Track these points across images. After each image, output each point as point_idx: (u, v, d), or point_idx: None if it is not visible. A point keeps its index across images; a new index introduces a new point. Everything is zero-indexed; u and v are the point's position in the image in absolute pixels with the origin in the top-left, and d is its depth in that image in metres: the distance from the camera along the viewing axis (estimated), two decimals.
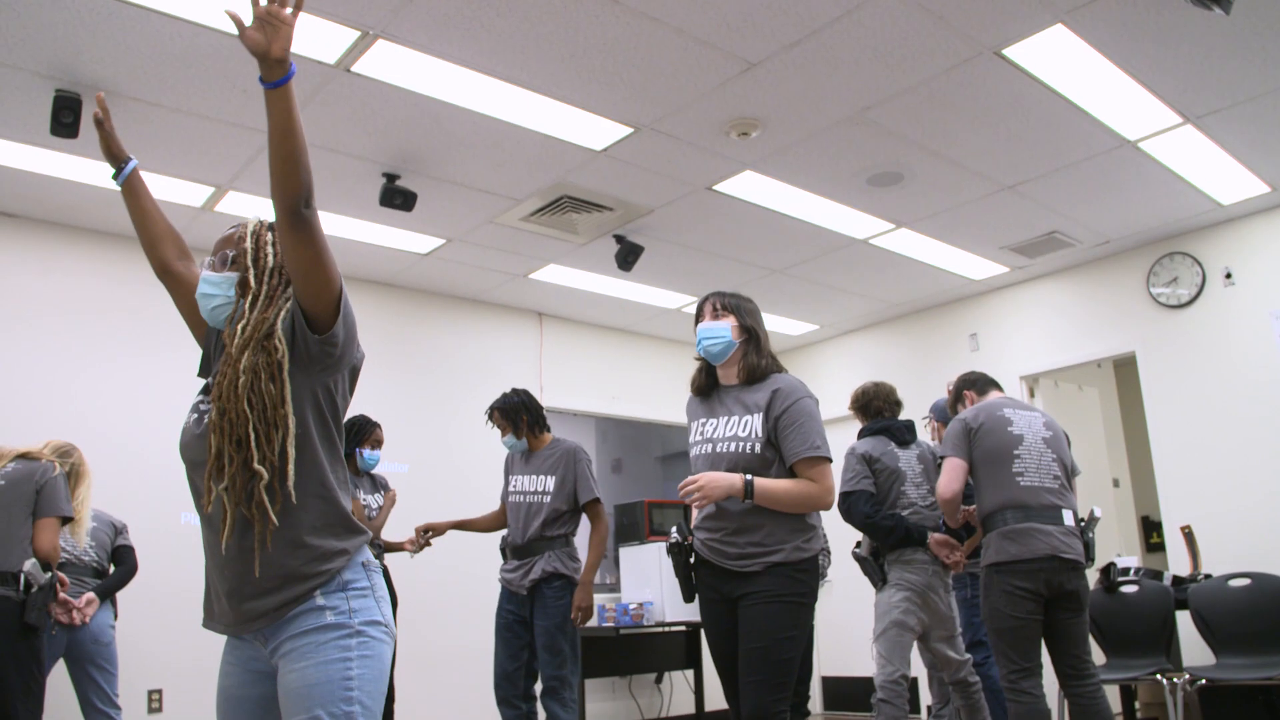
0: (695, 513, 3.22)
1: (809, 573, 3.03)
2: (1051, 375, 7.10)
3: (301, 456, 1.92)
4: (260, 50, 1.76)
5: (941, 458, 4.13)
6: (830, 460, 3.04)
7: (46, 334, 5.35)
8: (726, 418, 3.14)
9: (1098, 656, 5.15)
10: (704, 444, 3.17)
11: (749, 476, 2.97)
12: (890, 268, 6.79)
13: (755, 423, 3.05)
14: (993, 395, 4.25)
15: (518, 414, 4.83)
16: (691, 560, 3.21)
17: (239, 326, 1.96)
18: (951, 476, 3.98)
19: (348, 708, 1.84)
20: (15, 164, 4.84)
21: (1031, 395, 7.07)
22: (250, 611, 1.91)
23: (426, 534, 4.92)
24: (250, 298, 1.99)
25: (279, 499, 1.89)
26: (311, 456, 1.95)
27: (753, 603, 2.99)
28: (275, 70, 1.77)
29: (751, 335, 3.19)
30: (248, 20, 1.78)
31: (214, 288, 2.04)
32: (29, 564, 3.70)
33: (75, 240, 5.64)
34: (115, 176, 2.38)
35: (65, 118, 4.12)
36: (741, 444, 3.06)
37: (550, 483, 4.70)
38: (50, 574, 3.77)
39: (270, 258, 2.04)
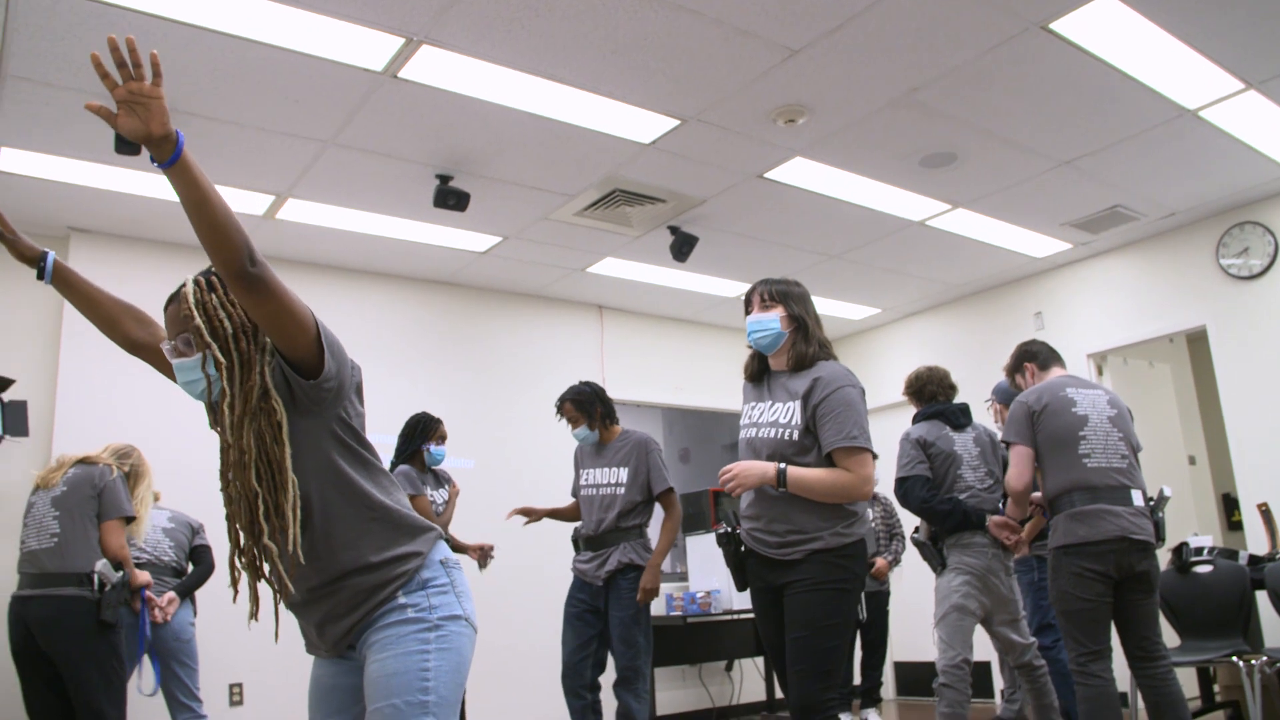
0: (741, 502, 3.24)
1: (852, 558, 3.01)
2: (1120, 352, 6.96)
3: (344, 493, 1.98)
4: (141, 134, 1.66)
5: (1006, 444, 4.08)
6: (866, 450, 2.99)
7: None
8: (770, 403, 3.15)
9: (1171, 639, 5.06)
10: (749, 428, 3.20)
11: (782, 465, 2.98)
12: (949, 249, 6.71)
13: (795, 409, 3.05)
14: (1054, 372, 4.19)
15: (591, 405, 4.85)
16: (741, 549, 3.23)
17: (226, 406, 1.91)
18: (1021, 468, 3.93)
19: (423, 697, 1.91)
20: (85, 182, 5.04)
21: (1100, 373, 6.93)
22: (343, 629, 2.01)
23: (491, 551, 5.16)
24: (226, 373, 1.91)
25: (294, 558, 1.91)
26: (351, 489, 1.99)
27: (796, 591, 2.98)
28: (164, 148, 1.67)
29: (800, 323, 3.17)
30: (113, 106, 1.68)
31: (191, 373, 1.95)
32: (100, 564, 3.88)
33: (145, 252, 5.84)
34: (40, 277, 2.23)
35: None
36: (781, 430, 3.06)
37: (624, 474, 4.73)
38: (121, 572, 3.94)
39: (226, 322, 1.93)
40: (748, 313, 3.25)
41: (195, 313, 1.93)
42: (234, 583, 1.97)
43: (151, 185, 5.11)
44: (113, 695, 3.87)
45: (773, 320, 3.16)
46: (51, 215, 5.48)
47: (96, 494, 4.00)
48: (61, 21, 3.67)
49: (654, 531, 4.78)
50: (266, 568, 1.95)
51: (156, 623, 4.47)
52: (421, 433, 5.16)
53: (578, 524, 4.95)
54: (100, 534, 3.97)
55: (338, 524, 1.98)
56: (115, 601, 3.88)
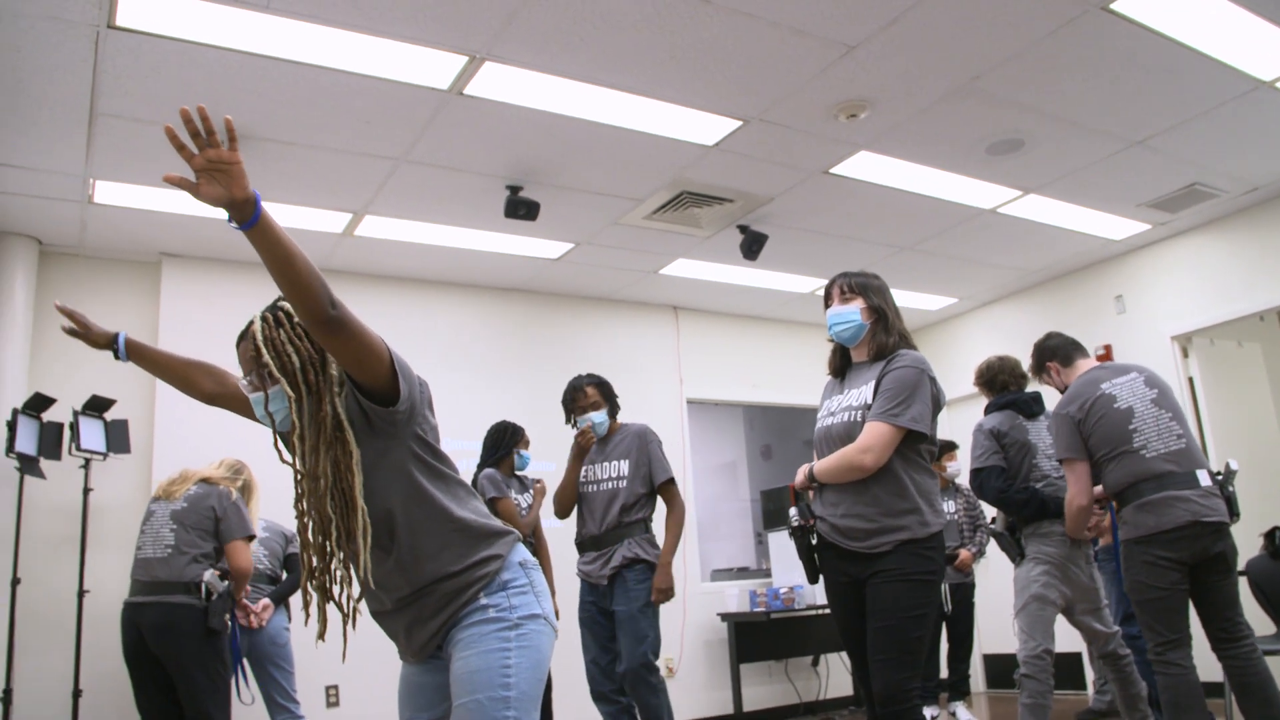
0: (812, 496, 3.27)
1: (935, 549, 3.01)
2: (1206, 333, 6.79)
3: (425, 509, 2.08)
4: (223, 200, 1.69)
5: (1060, 461, 4.02)
6: (895, 428, 2.97)
7: (214, 362, 5.78)
8: (849, 390, 3.19)
9: (1266, 626, 4.95)
10: (825, 418, 3.23)
11: (811, 465, 3.03)
12: (1023, 235, 6.63)
13: (867, 393, 3.08)
14: (1080, 365, 4.12)
15: (611, 392, 4.75)
16: (814, 541, 3.25)
17: (296, 438, 2.02)
18: (1080, 486, 3.88)
19: (505, 693, 2.00)
20: (174, 209, 5.30)
21: (1185, 356, 6.77)
22: (430, 632, 2.11)
23: None
24: (296, 406, 2.02)
25: (365, 581, 2.04)
26: (432, 504, 2.09)
27: (880, 582, 2.99)
28: (245, 210, 1.70)
29: (880, 314, 3.18)
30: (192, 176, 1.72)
31: (276, 402, 2.07)
32: (209, 574, 4.08)
33: (233, 273, 6.08)
34: (116, 357, 2.46)
35: None
36: (852, 413, 3.10)
37: (625, 467, 4.59)
38: (227, 583, 4.14)
39: (294, 356, 2.02)
40: (827, 306, 3.28)
41: (263, 349, 2.03)
42: (305, 605, 2.09)
43: None
44: (218, 698, 4.07)
45: (853, 312, 3.19)
46: (144, 242, 5.75)
47: (218, 515, 4.18)
48: (146, 61, 3.88)
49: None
50: (337, 590, 2.07)
51: (251, 628, 4.68)
52: (509, 439, 5.22)
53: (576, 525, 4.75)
54: (228, 554, 4.17)
55: (421, 538, 2.08)
56: (221, 610, 4.08)
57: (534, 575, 2.17)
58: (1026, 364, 4.56)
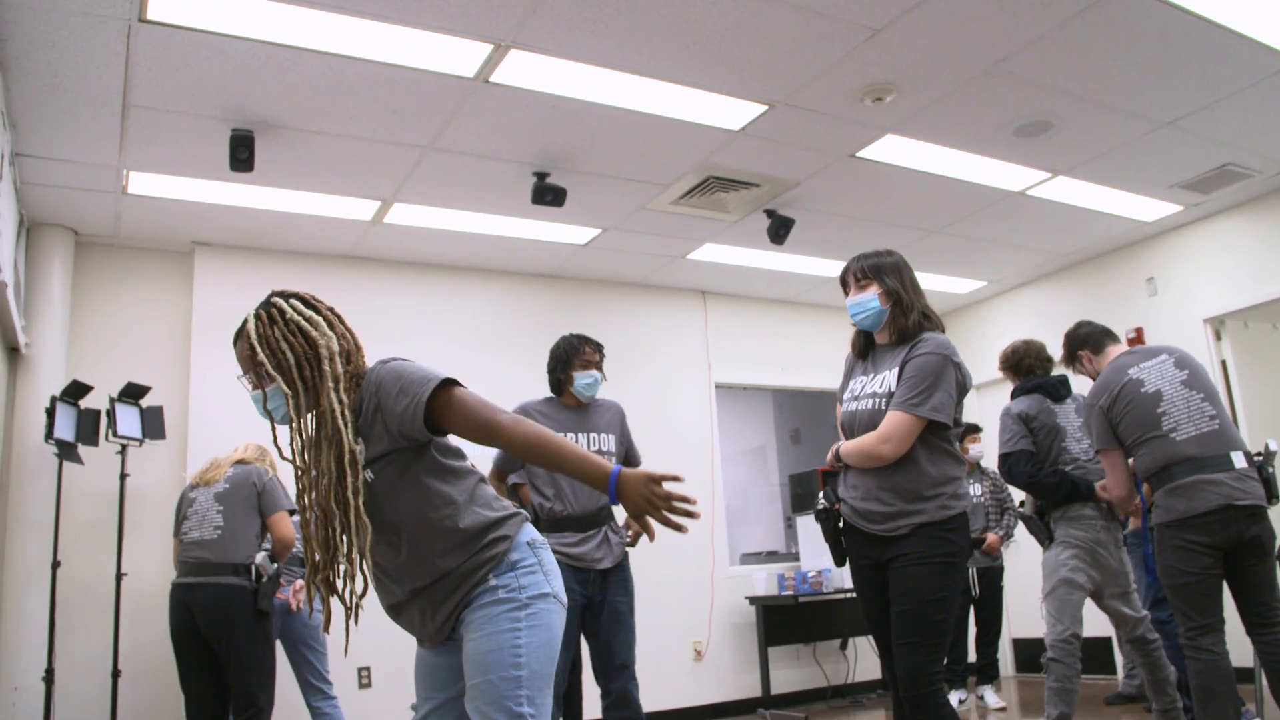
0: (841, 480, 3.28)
1: (956, 531, 3.00)
2: (1239, 315, 6.71)
3: (437, 509, 2.13)
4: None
5: (1097, 452, 4.01)
6: (915, 417, 2.97)
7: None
8: (873, 375, 3.18)
9: None
10: (850, 402, 3.23)
11: (840, 443, 3.04)
12: (1053, 217, 6.58)
13: (891, 378, 3.08)
14: (1112, 352, 4.09)
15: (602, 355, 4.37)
16: (840, 525, 3.27)
17: (296, 432, 2.09)
18: (1118, 476, 3.89)
19: (516, 672, 2.04)
20: (206, 199, 5.37)
21: (1218, 338, 6.70)
22: (443, 615, 2.15)
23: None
24: (293, 402, 2.09)
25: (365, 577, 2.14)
26: (443, 504, 2.13)
27: (901, 565, 3.00)
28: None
29: (897, 297, 3.16)
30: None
31: (274, 400, 2.13)
32: (260, 556, 4.18)
33: (264, 261, 6.16)
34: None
35: (241, 154, 4.56)
36: (877, 400, 3.10)
37: (611, 441, 4.29)
38: (276, 565, 4.22)
39: (288, 353, 2.10)
40: (846, 293, 3.28)
41: (258, 347, 2.10)
42: (309, 599, 2.14)
43: (267, 199, 5.41)
44: (264, 678, 4.17)
45: (871, 299, 3.17)
46: (177, 231, 5.83)
47: (259, 491, 4.33)
48: (176, 53, 3.93)
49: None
50: (340, 584, 2.13)
51: (291, 610, 4.76)
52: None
53: (548, 504, 4.12)
54: (271, 526, 4.31)
55: (431, 535, 2.12)
56: (271, 591, 4.20)
57: (542, 554, 2.21)
58: (1054, 348, 4.55)
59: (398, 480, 2.11)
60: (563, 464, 2.03)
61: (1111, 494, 3.94)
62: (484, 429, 2.06)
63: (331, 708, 4.86)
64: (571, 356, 4.28)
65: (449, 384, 2.09)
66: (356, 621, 2.13)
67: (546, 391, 4.36)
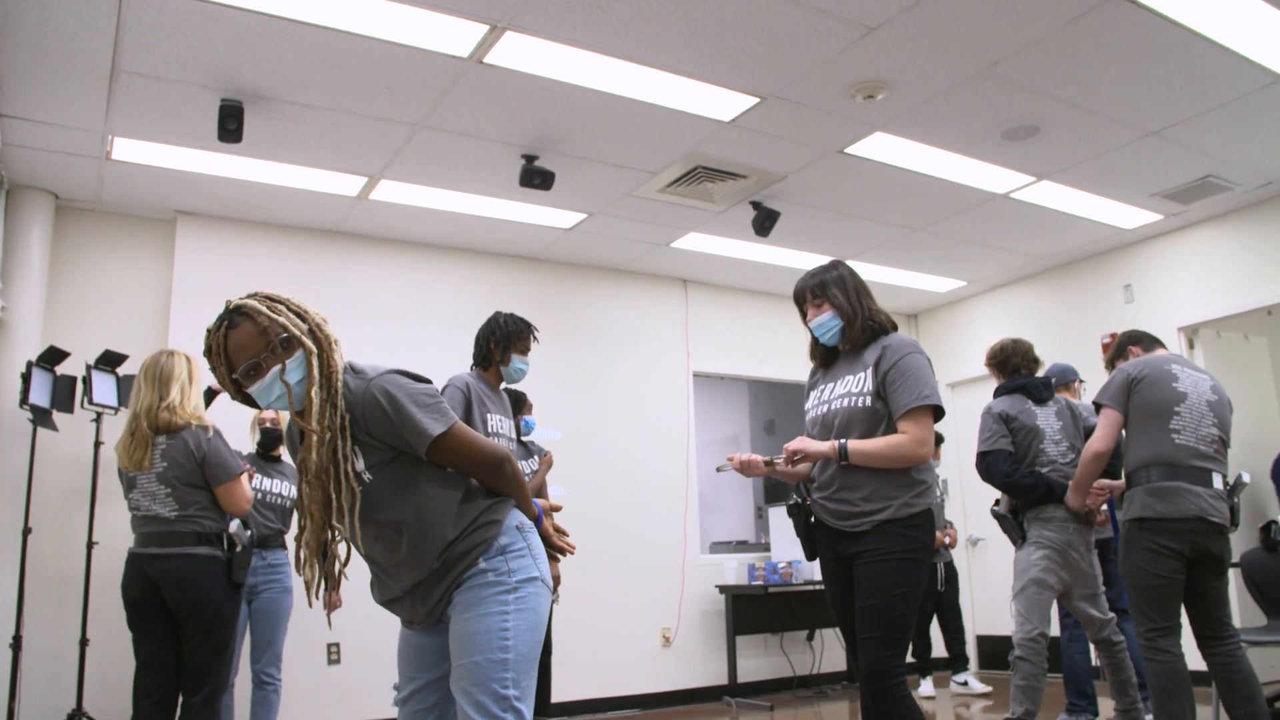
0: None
1: (920, 528, 3.05)
2: (1213, 325, 6.80)
3: (433, 505, 2.15)
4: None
5: (1097, 405, 4.04)
6: (930, 410, 3.03)
7: None
8: (843, 378, 3.22)
9: (1259, 618, 5.00)
10: (820, 406, 3.27)
11: (843, 440, 3.06)
12: (1035, 221, 6.64)
13: (866, 378, 3.12)
14: (1159, 352, 4.17)
15: None
16: (811, 520, 3.30)
17: (315, 393, 2.07)
18: (1106, 431, 3.94)
19: (503, 655, 2.07)
20: (191, 168, 5.32)
21: (1191, 347, 6.80)
22: (435, 598, 2.17)
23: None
24: (319, 360, 2.10)
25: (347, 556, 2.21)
26: (438, 501, 2.16)
27: (865, 561, 3.04)
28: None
29: (852, 311, 3.21)
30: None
31: (295, 373, 2.10)
32: (234, 525, 3.88)
33: (247, 232, 6.13)
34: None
35: (230, 124, 4.52)
36: (853, 399, 3.13)
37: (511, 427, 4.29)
38: (250, 532, 3.99)
39: (301, 319, 2.14)
40: (802, 312, 3.33)
41: (279, 317, 2.10)
42: (298, 566, 2.15)
43: (253, 170, 5.37)
44: (225, 654, 3.88)
45: (830, 318, 3.23)
46: (160, 199, 5.78)
47: (199, 460, 3.78)
48: (169, 19, 3.89)
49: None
50: (337, 567, 2.20)
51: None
52: (515, 406, 5.25)
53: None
54: (221, 498, 3.83)
55: (429, 534, 2.15)
56: (244, 562, 3.89)
57: (530, 538, 2.24)
58: (1039, 349, 4.62)
59: (397, 480, 2.14)
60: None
61: (1091, 445, 3.99)
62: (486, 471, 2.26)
63: (278, 683, 4.85)
64: (516, 339, 4.26)
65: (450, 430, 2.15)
66: (384, 599, 2.18)
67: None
